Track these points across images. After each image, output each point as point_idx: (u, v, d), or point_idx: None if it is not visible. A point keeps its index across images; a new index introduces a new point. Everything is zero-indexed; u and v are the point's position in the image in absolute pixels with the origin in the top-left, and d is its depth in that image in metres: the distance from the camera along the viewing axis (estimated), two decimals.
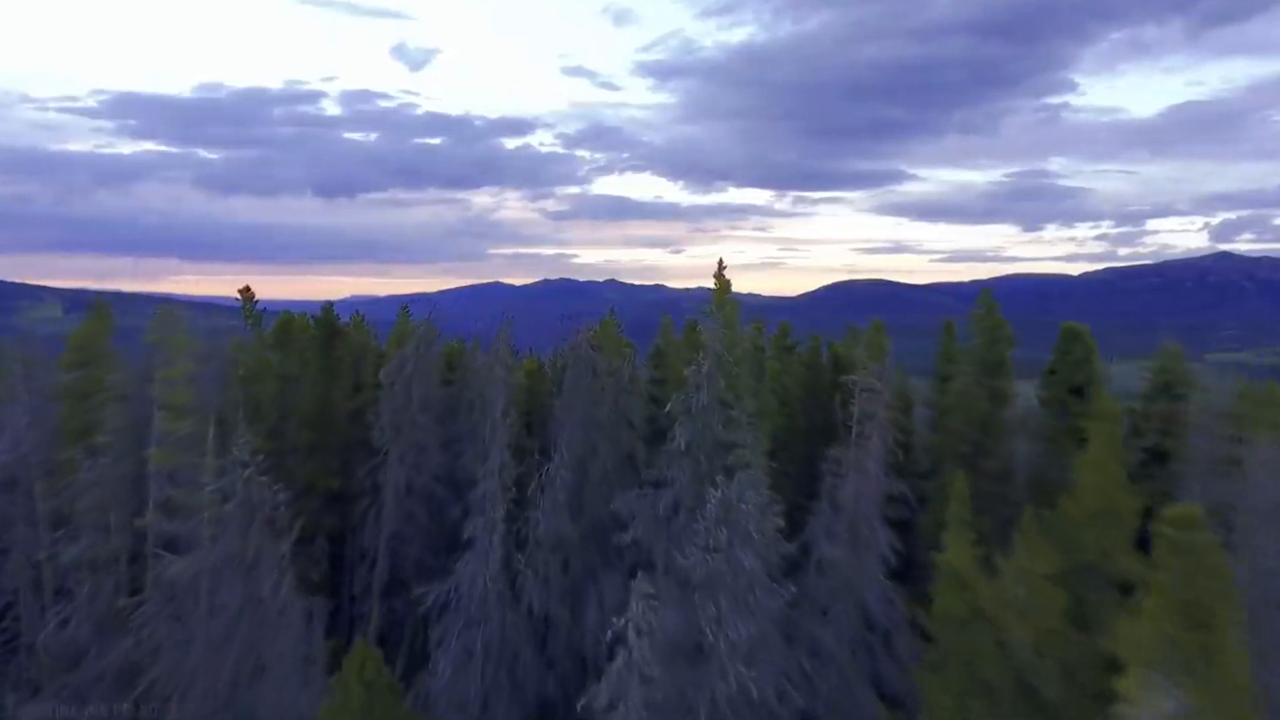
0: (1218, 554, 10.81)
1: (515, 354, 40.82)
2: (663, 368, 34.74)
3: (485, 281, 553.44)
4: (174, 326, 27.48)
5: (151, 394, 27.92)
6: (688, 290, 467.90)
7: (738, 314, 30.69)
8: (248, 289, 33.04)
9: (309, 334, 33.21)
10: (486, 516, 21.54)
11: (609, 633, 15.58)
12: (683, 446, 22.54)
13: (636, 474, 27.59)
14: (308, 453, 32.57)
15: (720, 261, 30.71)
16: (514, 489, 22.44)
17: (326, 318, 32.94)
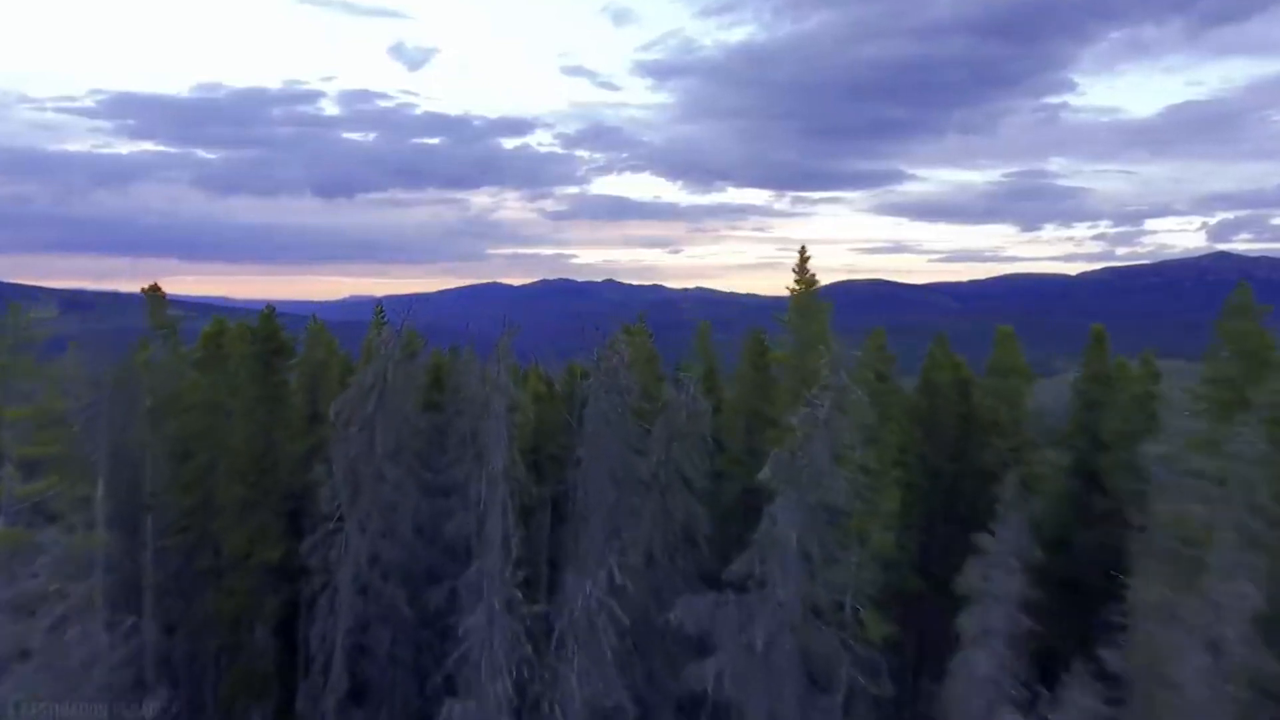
0: None
1: (520, 367, 32.52)
2: (714, 392, 26.56)
3: (484, 282, 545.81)
4: (28, 336, 18.86)
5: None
6: (685, 290, 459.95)
7: (829, 325, 22.71)
8: (155, 287, 24.64)
9: (244, 349, 24.85)
10: (486, 692, 13.25)
11: None
12: (792, 539, 14.43)
13: (699, 553, 19.49)
14: (241, 511, 24.24)
15: (803, 253, 22.59)
16: (524, 626, 14.10)
17: (266, 326, 24.55)
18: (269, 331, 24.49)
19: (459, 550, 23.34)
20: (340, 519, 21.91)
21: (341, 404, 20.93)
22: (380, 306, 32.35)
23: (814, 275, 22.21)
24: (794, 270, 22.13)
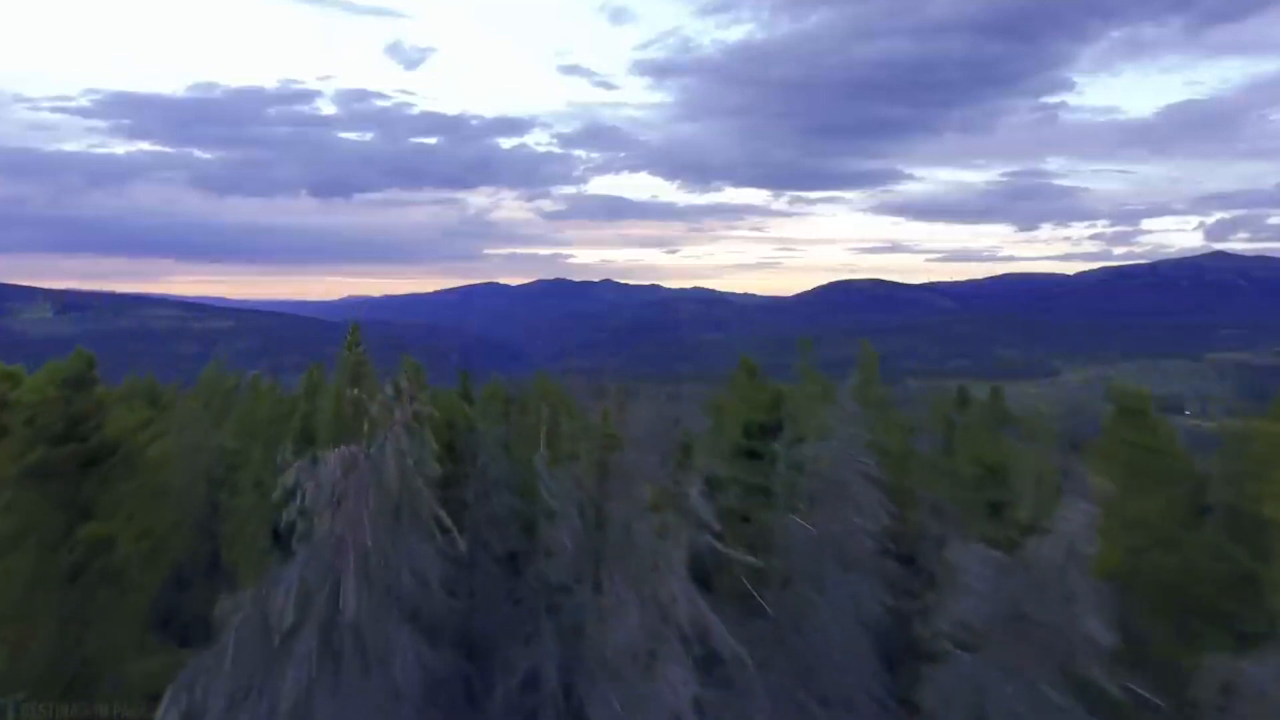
0: None
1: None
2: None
3: (481, 281, 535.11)
4: None
5: None
6: (683, 290, 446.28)
7: None
8: None
9: (31, 425, 11.80)
10: None
11: None
12: None
13: None
14: None
15: None
16: None
17: (71, 386, 11.51)
18: (79, 386, 11.38)
19: None
20: None
21: (248, 627, 8.07)
22: (355, 325, 13.77)
23: None
24: None
